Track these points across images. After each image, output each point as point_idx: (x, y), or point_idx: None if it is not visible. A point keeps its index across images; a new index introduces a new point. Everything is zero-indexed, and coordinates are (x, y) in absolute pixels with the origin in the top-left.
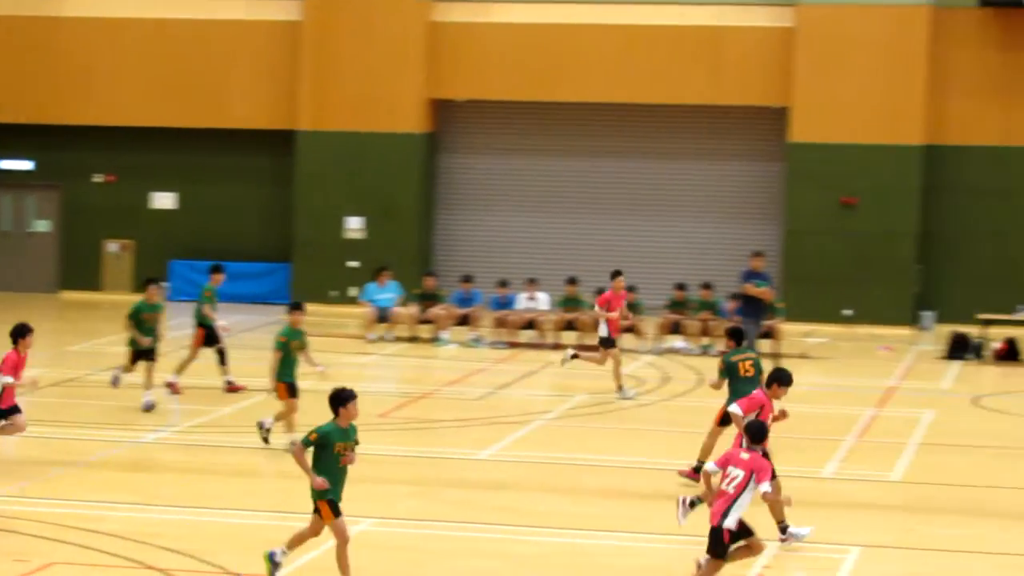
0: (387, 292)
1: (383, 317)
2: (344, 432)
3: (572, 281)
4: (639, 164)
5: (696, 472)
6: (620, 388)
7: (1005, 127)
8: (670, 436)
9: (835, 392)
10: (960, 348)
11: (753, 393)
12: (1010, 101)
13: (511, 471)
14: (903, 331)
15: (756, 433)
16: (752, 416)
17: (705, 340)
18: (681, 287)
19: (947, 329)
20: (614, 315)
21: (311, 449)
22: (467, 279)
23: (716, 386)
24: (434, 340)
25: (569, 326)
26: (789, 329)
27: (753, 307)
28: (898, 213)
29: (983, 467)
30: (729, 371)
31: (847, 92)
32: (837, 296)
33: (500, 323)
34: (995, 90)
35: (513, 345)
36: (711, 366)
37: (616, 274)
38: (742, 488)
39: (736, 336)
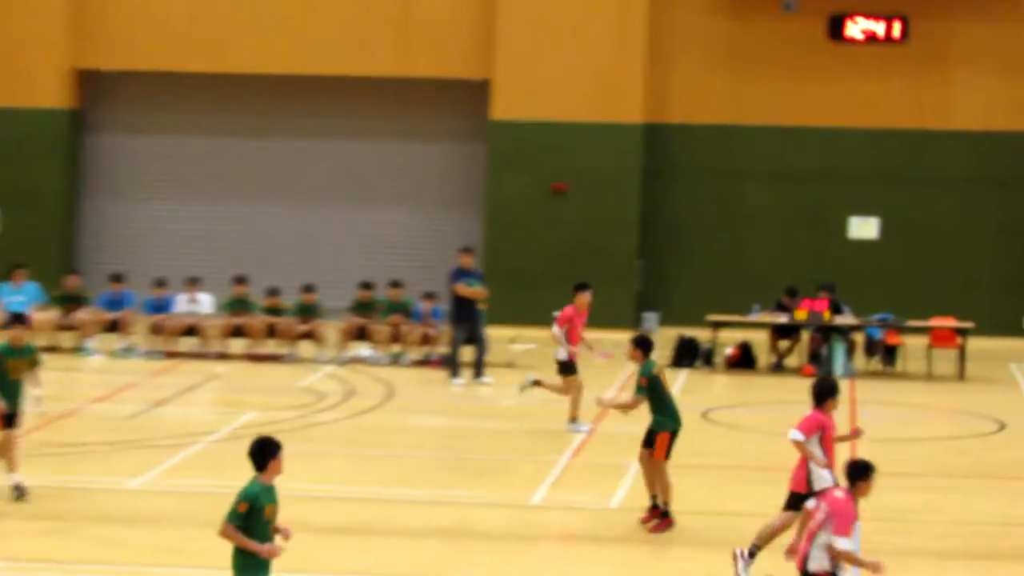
0: (22, 294)
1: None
2: (271, 492)
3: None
4: (321, 145)
5: (657, 510)
6: (574, 419)
7: (735, 103)
8: (357, 459)
9: (545, 406)
10: (687, 354)
11: (809, 414)
12: (740, 74)
13: (167, 503)
14: (624, 335)
15: (860, 472)
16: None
17: (396, 348)
18: (367, 286)
19: (673, 333)
20: (572, 349)
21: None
22: (117, 278)
23: (630, 407)
24: (78, 350)
25: (237, 332)
26: (492, 334)
27: (465, 310)
28: (616, 201)
29: (713, 489)
30: (653, 386)
31: (557, 63)
32: (547, 296)
33: (156, 329)
34: (723, 62)
35: (171, 355)
36: (404, 378)
37: (582, 287)
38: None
39: (645, 346)
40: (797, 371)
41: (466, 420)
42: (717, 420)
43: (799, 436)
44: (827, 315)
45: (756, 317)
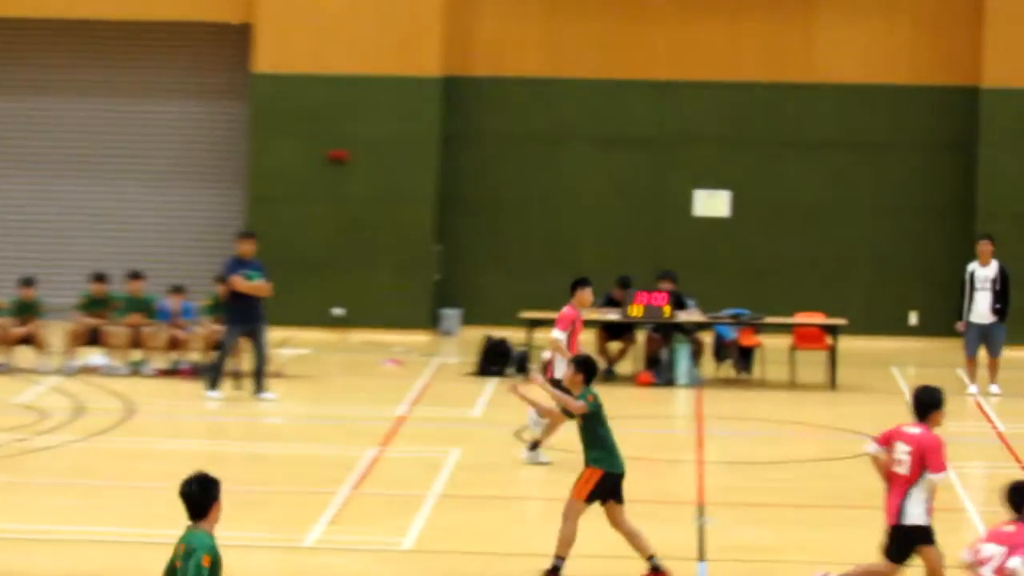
0: None
1: None
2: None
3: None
4: (39, 103)
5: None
6: (536, 446)
7: (553, 52)
8: (89, 492)
9: (319, 426)
10: (496, 360)
11: (923, 432)
12: (559, 17)
13: None
14: (418, 336)
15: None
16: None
17: (136, 354)
18: (100, 278)
19: (478, 333)
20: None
21: None
22: None
23: (552, 412)
24: None
25: None
26: None
27: (243, 309)
28: (409, 172)
29: (526, 527)
30: (597, 414)
31: (334, 4)
32: (324, 290)
33: None
34: (539, 2)
35: None
36: (147, 391)
37: (582, 283)
38: None
39: (588, 370)
40: (632, 379)
41: (224, 443)
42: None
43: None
44: (667, 311)
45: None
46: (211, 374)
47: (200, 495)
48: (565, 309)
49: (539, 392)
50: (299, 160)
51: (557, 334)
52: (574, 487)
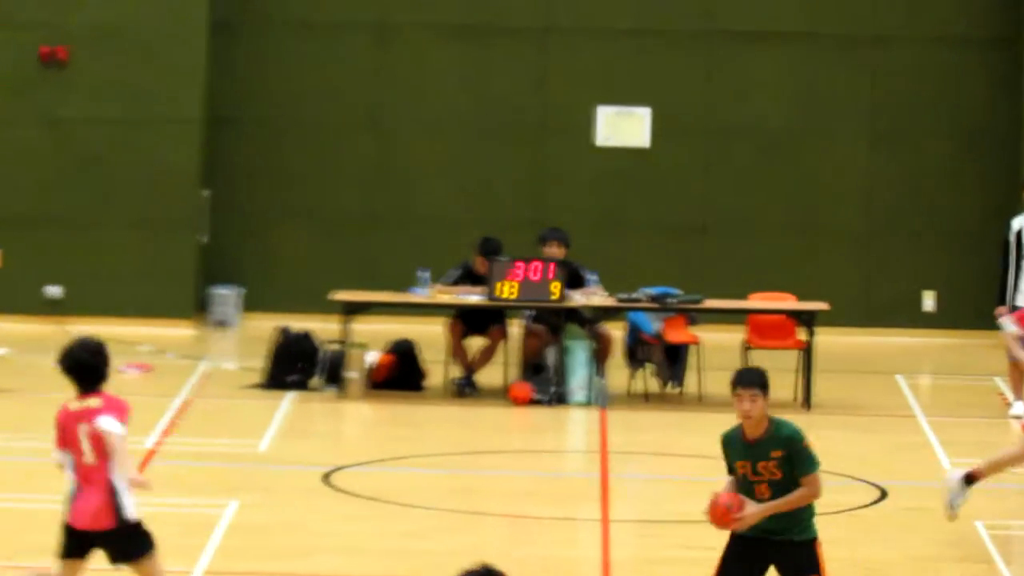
0: None
1: None
2: None
3: None
4: None
5: None
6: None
7: None
8: None
9: (19, 467)
10: (295, 364)
11: None
12: None
13: None
14: (177, 329)
15: None
16: None
17: None
18: None
19: (267, 323)
20: None
21: None
22: None
23: None
24: None
25: None
26: None
27: None
28: (161, 79)
29: None
30: None
31: None
32: (32, 259)
33: None
34: None
35: None
36: None
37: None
38: None
39: None
40: (502, 394)
41: None
42: (348, 487)
43: None
44: (556, 290)
45: (424, 295)
46: None
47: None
48: None
49: None
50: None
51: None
52: None
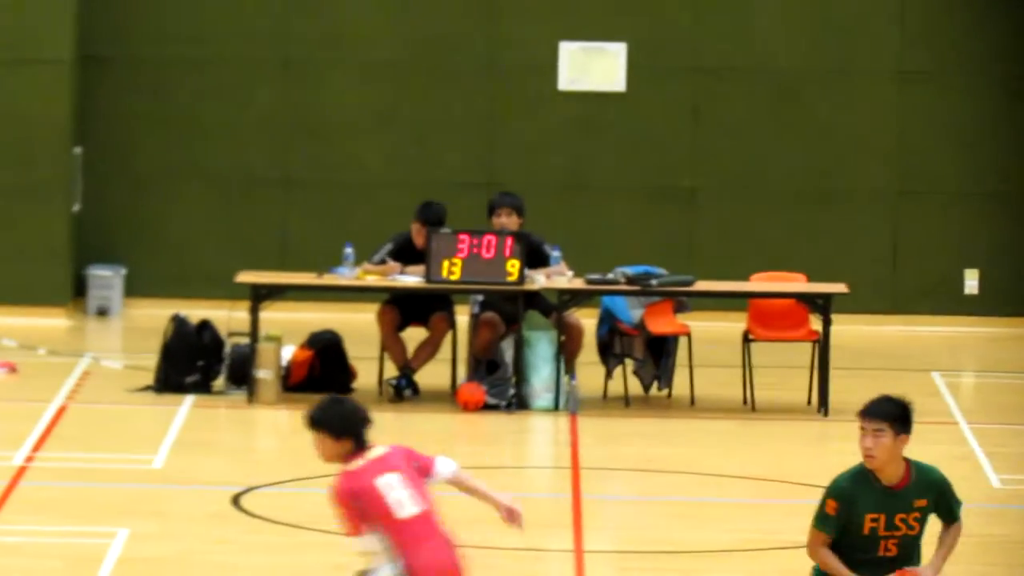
0: None
1: None
2: None
3: None
4: None
5: None
6: None
7: None
8: None
9: None
10: (195, 361)
11: None
12: None
13: None
14: (47, 319)
15: None
16: None
17: None
18: None
19: (159, 311)
20: None
21: None
22: None
23: None
24: None
25: None
26: None
27: None
28: (31, 16)
29: None
30: None
31: None
32: None
33: None
34: None
35: None
36: None
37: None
38: None
39: None
40: (450, 397)
41: None
42: (262, 511)
43: None
44: (512, 269)
45: (350, 275)
46: None
47: None
48: None
49: None
50: None
51: None
52: None
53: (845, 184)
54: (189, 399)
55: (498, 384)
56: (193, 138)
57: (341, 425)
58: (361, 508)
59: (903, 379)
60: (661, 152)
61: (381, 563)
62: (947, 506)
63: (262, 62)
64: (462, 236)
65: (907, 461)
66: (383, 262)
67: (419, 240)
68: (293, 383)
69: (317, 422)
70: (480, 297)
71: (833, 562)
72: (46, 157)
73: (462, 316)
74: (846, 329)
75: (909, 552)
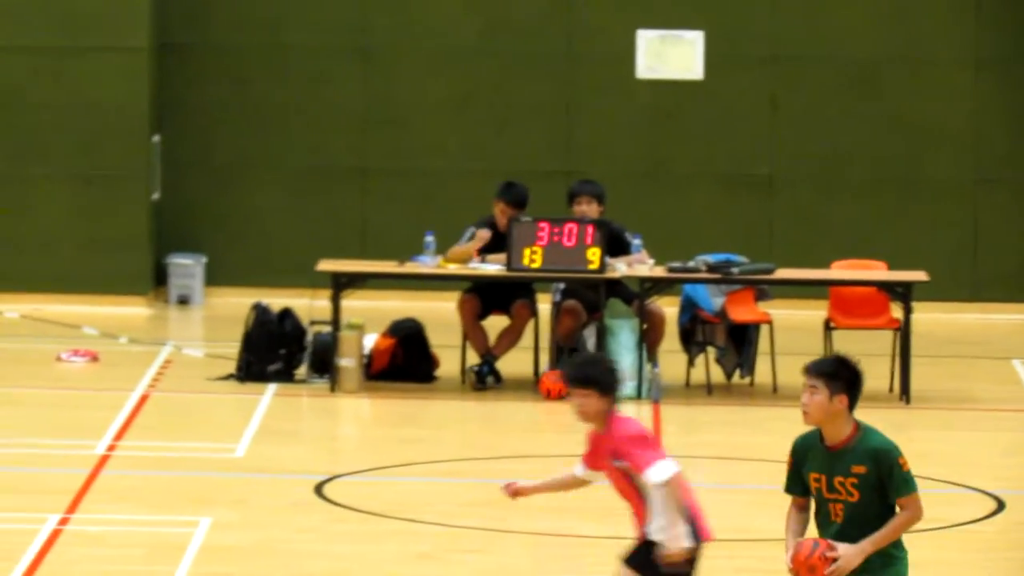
0: None
1: None
2: None
3: None
4: None
5: None
6: None
7: None
8: None
9: None
10: (277, 350)
11: None
12: None
13: None
14: (127, 308)
15: None
16: None
17: None
18: None
19: (239, 301)
20: None
21: None
22: None
23: None
24: None
25: None
26: None
27: None
28: (109, 2)
29: None
30: None
31: None
32: None
33: None
34: None
35: None
36: None
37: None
38: None
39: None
40: (532, 386)
41: None
42: (344, 500)
43: None
44: (594, 257)
45: (431, 264)
46: None
47: None
48: None
49: None
50: None
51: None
52: None
53: (923, 172)
54: (271, 387)
55: (572, 371)
56: (272, 126)
57: (608, 382)
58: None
59: (983, 367)
60: (739, 140)
61: (671, 515)
62: (886, 483)
63: (340, 50)
64: (542, 224)
65: (857, 425)
66: (472, 239)
67: (502, 221)
68: (375, 371)
69: (587, 379)
70: (561, 285)
71: (786, 524)
72: (125, 146)
73: (543, 304)
74: (926, 317)
75: (858, 524)
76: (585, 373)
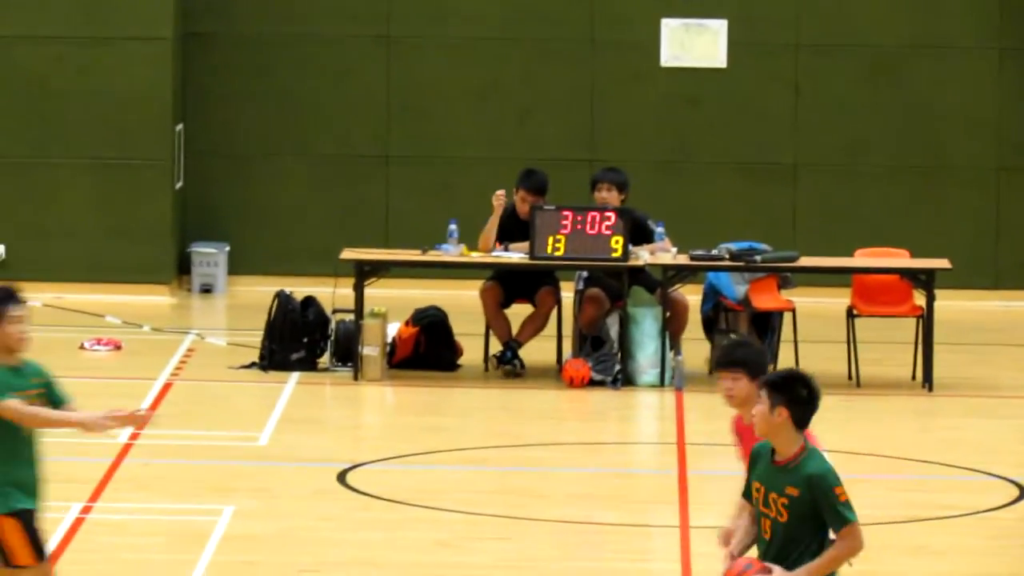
0: None
1: None
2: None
3: None
4: None
5: None
6: None
7: None
8: None
9: None
10: (300, 338)
11: None
12: None
13: None
14: (150, 296)
15: None
16: None
17: None
18: None
19: (262, 289)
20: None
21: None
22: None
23: None
24: None
25: None
26: None
27: None
28: None
29: None
30: None
31: None
32: None
33: None
34: None
35: None
36: None
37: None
38: None
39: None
40: (555, 375)
41: None
42: (367, 488)
43: None
44: (617, 244)
45: (451, 251)
46: None
47: None
48: None
49: None
50: None
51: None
52: None
53: (946, 159)
54: (294, 376)
55: (603, 360)
56: (295, 115)
57: (759, 363)
58: None
59: (1007, 354)
60: (762, 128)
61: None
62: (823, 512)
63: (363, 39)
64: (565, 212)
65: (803, 447)
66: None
67: (523, 209)
68: (398, 360)
69: (737, 362)
70: (585, 273)
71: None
72: (149, 135)
73: (566, 292)
74: (949, 304)
75: (784, 544)
76: (735, 355)
